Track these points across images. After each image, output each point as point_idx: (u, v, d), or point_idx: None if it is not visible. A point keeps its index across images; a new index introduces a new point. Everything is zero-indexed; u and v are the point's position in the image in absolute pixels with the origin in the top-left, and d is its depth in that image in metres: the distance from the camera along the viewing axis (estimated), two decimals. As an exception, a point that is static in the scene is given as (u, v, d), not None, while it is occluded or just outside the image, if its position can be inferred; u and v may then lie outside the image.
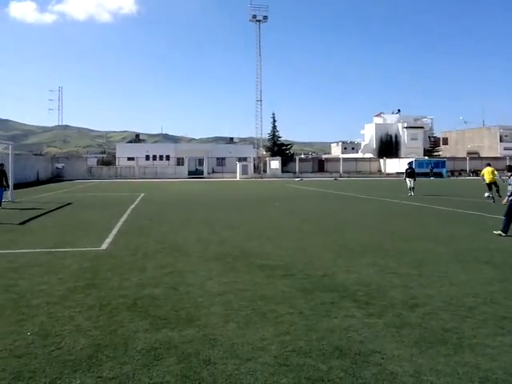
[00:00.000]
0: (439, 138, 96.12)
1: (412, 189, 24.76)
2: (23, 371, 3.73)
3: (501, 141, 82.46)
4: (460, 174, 62.16)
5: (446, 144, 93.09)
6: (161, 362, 3.92)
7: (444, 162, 62.55)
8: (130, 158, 62.54)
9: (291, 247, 9.36)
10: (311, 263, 7.81)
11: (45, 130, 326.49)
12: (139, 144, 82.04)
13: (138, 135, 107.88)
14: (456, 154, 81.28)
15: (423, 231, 11.72)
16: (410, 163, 27.75)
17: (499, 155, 74.32)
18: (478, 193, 26.60)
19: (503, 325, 4.80)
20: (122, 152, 67.92)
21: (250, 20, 69.70)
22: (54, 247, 9.33)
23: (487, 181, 20.93)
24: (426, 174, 55.70)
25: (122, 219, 14.23)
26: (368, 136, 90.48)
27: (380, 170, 67.92)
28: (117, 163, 64.93)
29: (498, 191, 19.94)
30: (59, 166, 59.54)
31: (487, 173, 21.16)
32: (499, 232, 10.86)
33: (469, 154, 76.43)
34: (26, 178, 40.88)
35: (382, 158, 71.26)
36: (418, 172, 54.26)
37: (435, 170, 58.08)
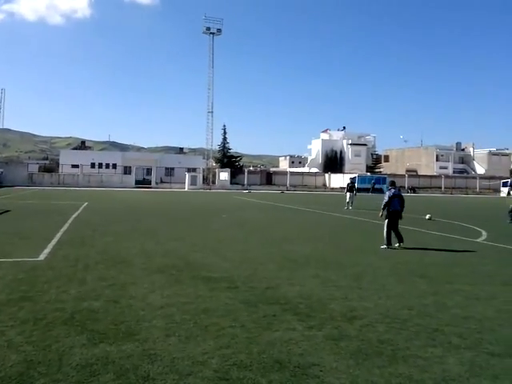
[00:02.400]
0: (381, 156, 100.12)
1: (351, 203, 26.05)
2: None
3: (437, 160, 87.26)
4: (399, 191, 64.90)
5: (387, 161, 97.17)
6: (97, 378, 3.80)
7: (385, 178, 65.11)
8: (74, 166, 60.41)
9: (236, 259, 9.39)
10: (255, 275, 7.87)
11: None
12: (84, 151, 79.53)
13: (83, 142, 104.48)
14: (396, 171, 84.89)
15: (363, 244, 12.12)
16: (352, 179, 29.03)
17: (435, 173, 78.45)
18: (416, 209, 27.88)
19: (434, 337, 5.04)
20: (66, 159, 65.60)
21: (203, 32, 69.78)
22: (-14, 257, 8.83)
23: None
24: (367, 190, 57.71)
25: (63, 229, 13.70)
26: (315, 151, 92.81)
27: (325, 185, 69.58)
28: (60, 170, 62.53)
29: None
30: (-3, 170, 56.49)
31: None
32: (385, 246, 11.45)
33: (407, 171, 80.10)
34: (-42, 183, 38.46)
35: (327, 172, 73.21)
36: (360, 187, 56.62)
37: (376, 186, 60.30)
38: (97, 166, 65.89)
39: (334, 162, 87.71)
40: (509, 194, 55.72)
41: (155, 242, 11.64)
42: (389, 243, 11.47)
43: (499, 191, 61.15)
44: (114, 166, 65.99)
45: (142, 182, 59.50)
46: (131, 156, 74.51)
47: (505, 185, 60.05)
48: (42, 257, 9.10)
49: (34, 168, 66.31)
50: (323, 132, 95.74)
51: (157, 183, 60.05)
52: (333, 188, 63.50)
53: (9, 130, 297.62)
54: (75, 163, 60.55)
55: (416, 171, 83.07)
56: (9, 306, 5.67)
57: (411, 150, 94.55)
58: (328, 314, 5.72)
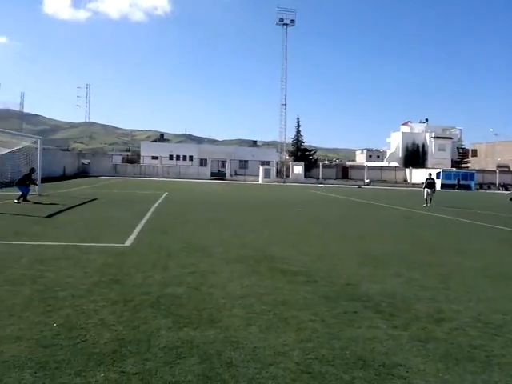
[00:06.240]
0: (468, 150, 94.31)
1: (430, 199, 24.42)
2: (49, 361, 3.78)
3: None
4: (489, 188, 60.82)
5: (475, 156, 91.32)
6: (183, 360, 3.92)
7: (472, 174, 61.36)
8: (154, 157, 63.28)
9: (314, 254, 9.29)
10: (334, 271, 7.73)
11: (72, 125, 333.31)
12: (163, 143, 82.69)
13: (162, 135, 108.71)
14: (485, 166, 79.49)
15: (448, 244, 11.48)
16: (431, 174, 27.33)
17: (531, 169, 72.52)
18: (506, 207, 25.99)
19: (533, 345, 4.65)
20: (147, 151, 68.74)
21: (276, 23, 69.61)
22: (79, 241, 9.47)
23: None
24: (452, 186, 54.80)
25: (146, 217, 14.36)
26: (394, 144, 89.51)
27: (406, 180, 66.89)
28: (141, 161, 65.76)
29: None
30: (85, 161, 60.68)
31: None
32: None
33: (499, 167, 74.63)
34: (52, 173, 41.69)
35: (408, 167, 70.24)
36: (444, 183, 53.80)
37: (463, 183, 57.09)
38: (174, 158, 68.36)
39: (415, 156, 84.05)
40: None
41: (232, 233, 11.84)
42: None
43: None
44: (191, 158, 68.11)
45: (217, 174, 60.94)
46: (207, 148, 76.42)
47: None
48: (128, 243, 9.59)
49: (117, 159, 70.01)
50: (403, 124, 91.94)
51: (231, 175, 61.21)
52: (414, 184, 60.71)
53: (93, 123, 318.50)
54: (155, 155, 63.34)
55: (508, 167, 77.27)
56: (101, 288, 6.03)
57: (503, 144, 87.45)
58: (413, 315, 5.47)
